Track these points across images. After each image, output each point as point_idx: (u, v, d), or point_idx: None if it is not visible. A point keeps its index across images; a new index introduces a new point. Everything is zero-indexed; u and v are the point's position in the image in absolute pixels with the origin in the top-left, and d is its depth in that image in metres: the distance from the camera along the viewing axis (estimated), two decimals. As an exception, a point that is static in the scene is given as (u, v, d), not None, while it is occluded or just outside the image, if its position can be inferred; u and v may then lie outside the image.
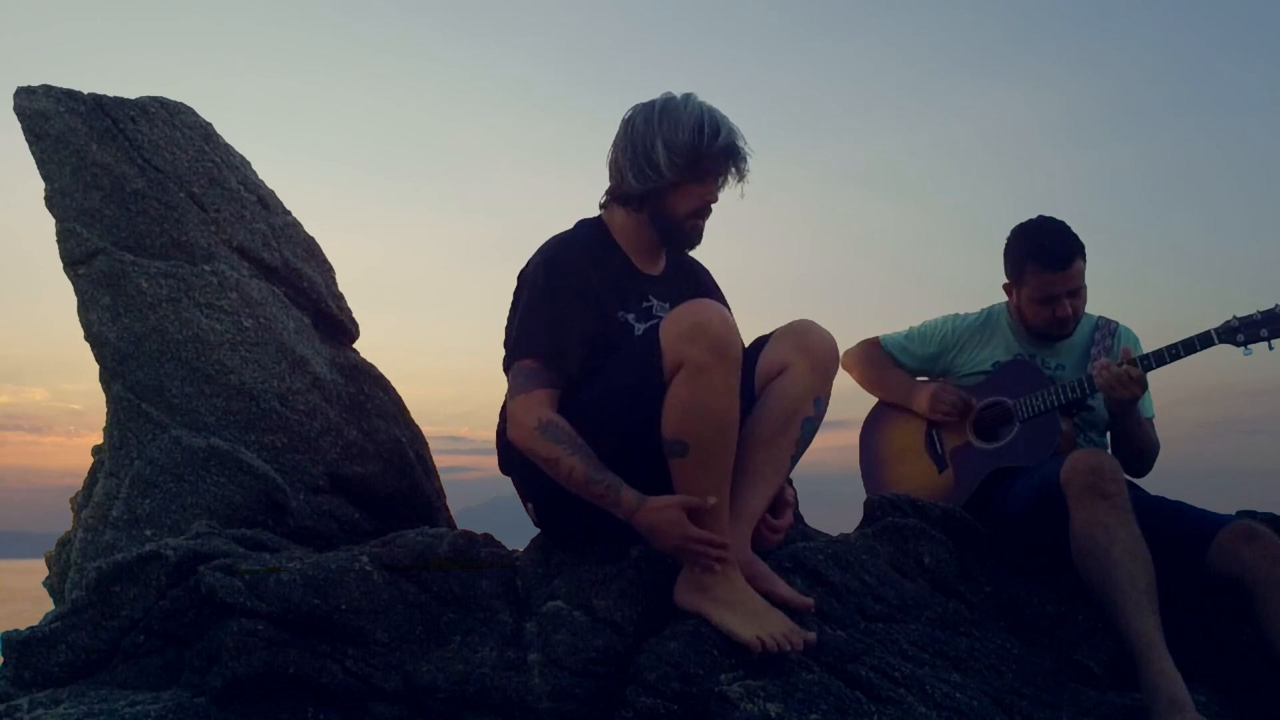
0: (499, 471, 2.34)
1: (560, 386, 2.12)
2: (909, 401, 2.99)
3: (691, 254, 2.50)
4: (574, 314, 2.15)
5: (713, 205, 2.26)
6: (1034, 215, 2.91)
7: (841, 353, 3.15)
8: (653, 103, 2.23)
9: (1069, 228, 2.82)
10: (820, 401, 2.16)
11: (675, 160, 2.17)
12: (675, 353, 1.95)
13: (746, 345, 2.10)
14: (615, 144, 2.27)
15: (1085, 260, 2.80)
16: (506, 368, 2.24)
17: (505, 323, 2.27)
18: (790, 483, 2.32)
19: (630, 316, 2.24)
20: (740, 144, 2.20)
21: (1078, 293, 2.81)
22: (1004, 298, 3.02)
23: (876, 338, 3.15)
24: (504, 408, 2.27)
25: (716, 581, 1.97)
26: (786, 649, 1.88)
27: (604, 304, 2.20)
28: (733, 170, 2.22)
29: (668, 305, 2.29)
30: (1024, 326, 2.92)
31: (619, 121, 2.28)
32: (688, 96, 2.21)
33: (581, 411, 2.07)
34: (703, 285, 2.45)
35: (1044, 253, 2.79)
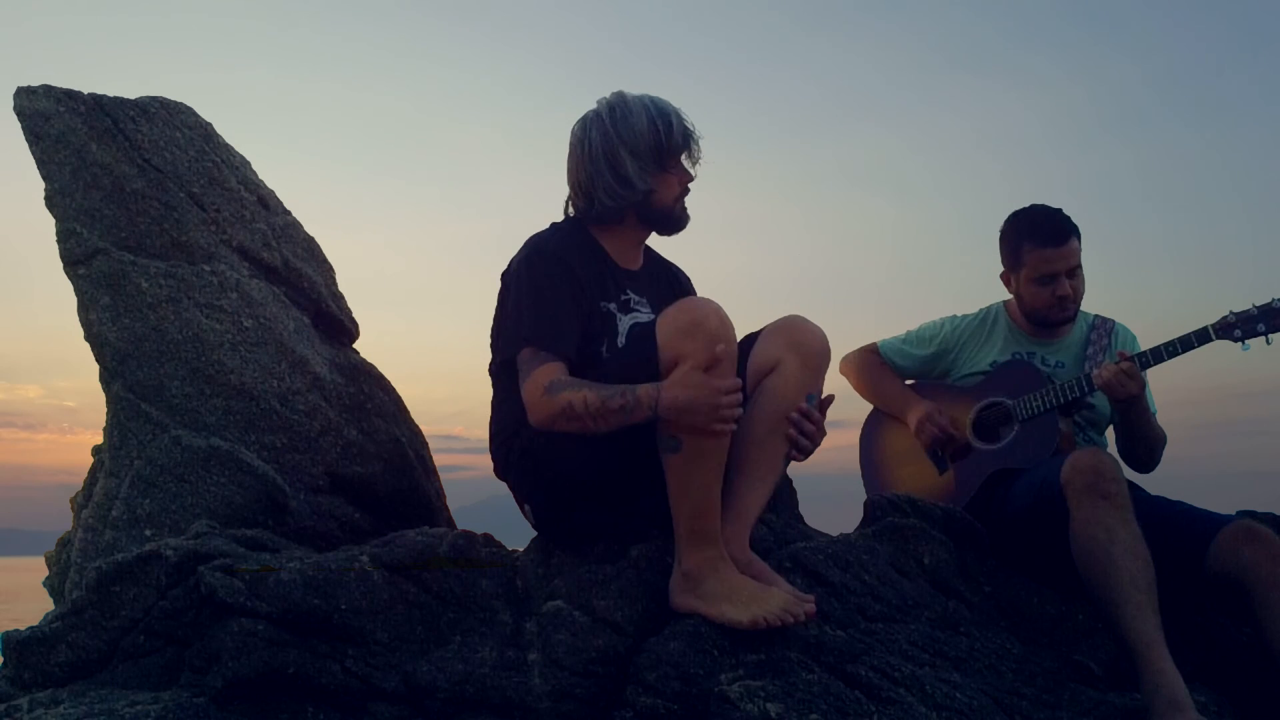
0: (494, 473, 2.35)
1: (563, 361, 2.11)
2: (902, 416, 3.00)
3: (678, 259, 2.54)
4: (563, 299, 2.17)
5: (690, 185, 2.33)
6: None
7: (840, 357, 3.16)
8: (597, 115, 2.28)
9: (1062, 210, 2.84)
10: (813, 398, 2.17)
11: (646, 166, 2.24)
12: (672, 349, 1.96)
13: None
14: (576, 165, 2.30)
15: (1080, 242, 2.81)
16: (493, 369, 2.25)
17: (491, 325, 2.28)
18: (789, 480, 2.33)
19: (612, 306, 2.25)
20: (689, 124, 2.29)
21: (1075, 272, 2.82)
22: (1002, 298, 3.03)
23: (875, 344, 3.15)
24: (494, 412, 2.28)
25: (707, 577, 1.98)
26: (789, 621, 1.89)
27: (588, 293, 2.22)
28: (694, 148, 2.30)
29: (645, 300, 2.32)
30: (1024, 315, 2.92)
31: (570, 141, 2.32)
32: (623, 97, 2.28)
33: None
34: (680, 285, 2.49)
35: (1040, 231, 2.81)
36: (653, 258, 2.48)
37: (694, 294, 2.47)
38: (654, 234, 2.40)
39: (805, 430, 2.10)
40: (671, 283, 2.47)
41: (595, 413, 1.97)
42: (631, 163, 2.23)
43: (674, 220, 2.34)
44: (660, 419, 1.95)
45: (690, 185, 2.33)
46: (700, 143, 2.31)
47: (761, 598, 1.94)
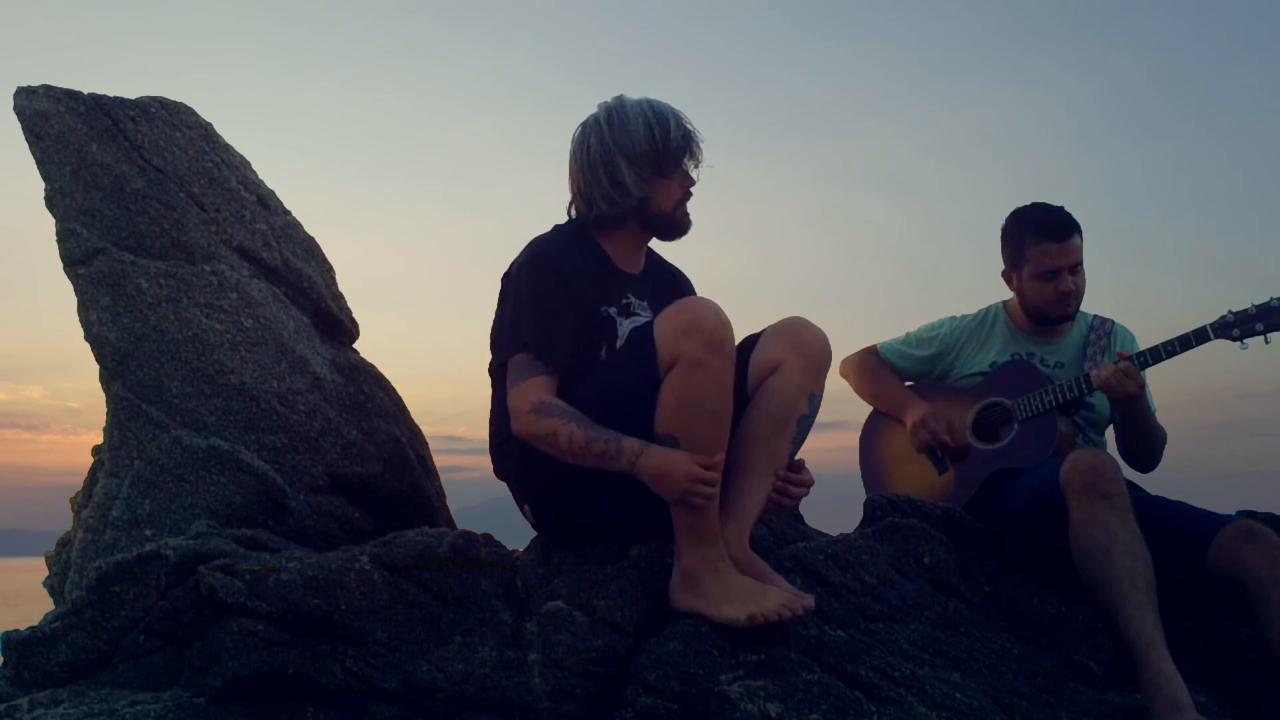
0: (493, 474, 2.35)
1: (555, 375, 2.13)
2: (899, 417, 3.01)
3: (680, 261, 2.55)
4: (561, 307, 2.17)
5: (692, 189, 2.32)
6: None
7: (840, 359, 3.17)
8: (595, 121, 2.29)
9: (1064, 207, 2.85)
10: (815, 399, 2.17)
11: (641, 172, 2.25)
12: (670, 348, 1.97)
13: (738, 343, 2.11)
14: (576, 171, 2.31)
15: (1082, 239, 2.82)
16: (493, 369, 2.25)
17: (491, 326, 2.28)
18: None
19: (613, 310, 2.26)
20: (690, 127, 2.28)
21: (1078, 269, 2.83)
22: (1003, 299, 3.03)
23: (875, 346, 3.16)
24: (493, 412, 2.28)
25: (706, 577, 1.98)
26: (786, 616, 1.89)
27: (588, 298, 2.22)
28: (695, 152, 2.29)
29: (645, 303, 2.32)
30: (1026, 313, 2.92)
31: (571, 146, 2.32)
32: (622, 102, 2.28)
33: (576, 407, 2.07)
34: (680, 287, 2.49)
35: (1043, 227, 2.83)
36: (654, 260, 2.48)
37: (693, 293, 2.48)
38: (655, 239, 2.41)
39: (790, 493, 2.16)
40: (672, 285, 2.47)
41: (577, 450, 2.01)
42: (628, 170, 2.23)
43: (674, 226, 2.34)
44: (656, 434, 1.98)
45: (692, 190, 2.32)
46: (702, 145, 2.31)
47: (759, 595, 1.94)
